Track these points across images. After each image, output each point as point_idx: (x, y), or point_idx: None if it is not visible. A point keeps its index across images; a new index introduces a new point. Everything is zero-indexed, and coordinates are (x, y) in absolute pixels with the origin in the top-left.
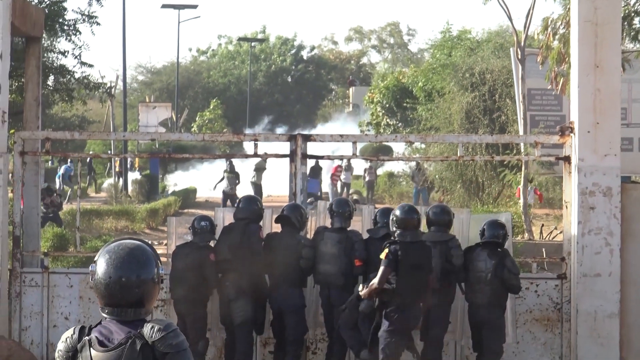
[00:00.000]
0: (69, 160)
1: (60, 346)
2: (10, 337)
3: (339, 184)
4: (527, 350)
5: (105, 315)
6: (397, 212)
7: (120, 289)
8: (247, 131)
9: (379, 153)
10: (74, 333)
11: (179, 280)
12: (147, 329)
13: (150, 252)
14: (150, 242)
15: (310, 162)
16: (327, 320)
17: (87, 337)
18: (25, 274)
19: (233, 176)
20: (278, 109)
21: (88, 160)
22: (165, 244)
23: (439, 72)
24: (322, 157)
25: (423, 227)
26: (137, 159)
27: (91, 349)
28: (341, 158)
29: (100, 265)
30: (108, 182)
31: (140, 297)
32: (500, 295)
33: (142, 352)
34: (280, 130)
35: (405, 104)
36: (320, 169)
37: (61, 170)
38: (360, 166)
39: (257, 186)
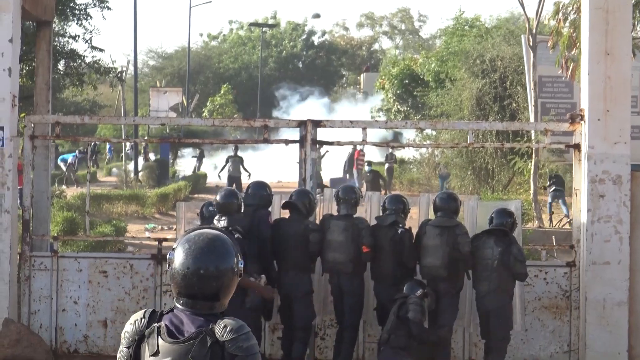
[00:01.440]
0: (77, 151)
1: (128, 328)
2: (19, 320)
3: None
4: (535, 337)
5: (179, 305)
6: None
7: (197, 280)
8: (258, 116)
9: (390, 140)
10: (143, 317)
11: None
12: (219, 328)
13: (230, 243)
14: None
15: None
16: (337, 306)
17: (156, 324)
18: (34, 257)
19: (237, 160)
20: (288, 95)
21: (92, 144)
22: (175, 229)
23: (450, 58)
24: (331, 143)
25: (431, 214)
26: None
27: (159, 337)
28: (351, 144)
29: (178, 255)
30: (118, 166)
31: (217, 290)
32: (507, 282)
33: (211, 350)
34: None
35: (415, 92)
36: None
37: (69, 159)
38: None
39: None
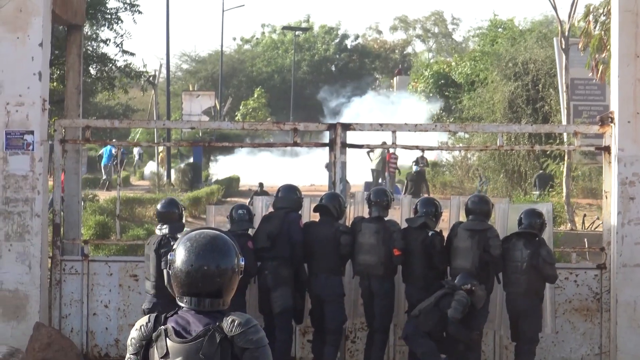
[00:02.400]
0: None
1: (134, 334)
2: (50, 324)
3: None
4: (566, 340)
5: (182, 305)
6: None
7: (201, 277)
8: (291, 120)
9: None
10: (149, 321)
11: None
12: (226, 323)
13: (231, 242)
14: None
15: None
16: (367, 309)
17: (163, 327)
18: (65, 261)
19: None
20: (322, 98)
21: (121, 149)
22: None
23: (483, 60)
24: (361, 147)
25: (462, 216)
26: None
27: (167, 339)
28: (382, 147)
29: (180, 254)
30: (150, 170)
31: (219, 287)
32: (537, 284)
33: (220, 346)
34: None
35: (447, 94)
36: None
37: (104, 159)
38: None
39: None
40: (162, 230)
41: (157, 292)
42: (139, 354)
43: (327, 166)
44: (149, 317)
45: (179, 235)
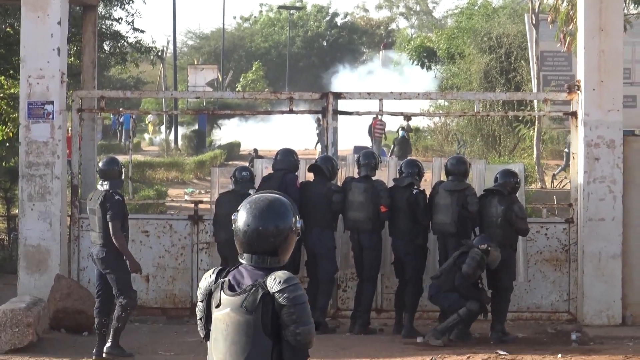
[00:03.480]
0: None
1: (201, 284)
2: (69, 276)
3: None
4: (537, 287)
5: (242, 261)
6: None
7: (257, 237)
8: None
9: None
10: (212, 274)
11: (221, 225)
12: (270, 279)
13: (289, 205)
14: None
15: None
16: (357, 261)
17: (222, 280)
18: (83, 219)
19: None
20: (315, 71)
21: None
22: (210, 193)
23: (460, 36)
24: (351, 114)
25: (443, 176)
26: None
27: (222, 291)
28: (368, 114)
29: (241, 215)
30: (160, 136)
31: (275, 247)
32: (511, 237)
33: (262, 300)
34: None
35: (429, 65)
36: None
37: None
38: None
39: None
40: (103, 186)
41: (104, 241)
42: (203, 302)
43: (319, 133)
44: (214, 270)
45: (119, 190)
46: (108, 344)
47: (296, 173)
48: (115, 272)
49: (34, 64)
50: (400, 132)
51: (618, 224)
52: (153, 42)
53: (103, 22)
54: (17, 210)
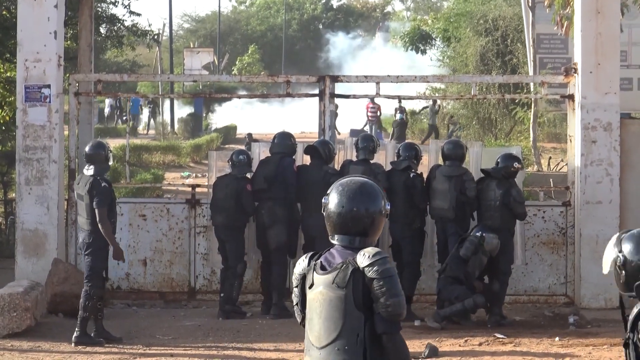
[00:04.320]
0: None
1: (295, 269)
2: (67, 260)
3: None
4: (535, 270)
5: (334, 242)
6: None
7: (350, 218)
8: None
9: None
10: (305, 258)
11: (219, 208)
12: (359, 256)
13: (378, 188)
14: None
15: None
16: None
17: (314, 262)
18: None
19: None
20: (311, 54)
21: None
22: (207, 176)
23: (456, 19)
24: (347, 97)
25: (440, 160)
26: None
27: (314, 272)
28: (365, 97)
29: (333, 197)
30: (157, 120)
31: (366, 227)
32: (508, 221)
33: (352, 276)
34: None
35: (424, 49)
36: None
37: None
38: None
39: None
40: (88, 170)
41: (92, 228)
42: (298, 287)
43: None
44: (306, 255)
45: (106, 176)
46: (76, 333)
47: (293, 157)
48: (93, 257)
49: (31, 47)
50: (397, 115)
51: (615, 207)
52: (149, 25)
53: (99, 5)
54: (14, 194)
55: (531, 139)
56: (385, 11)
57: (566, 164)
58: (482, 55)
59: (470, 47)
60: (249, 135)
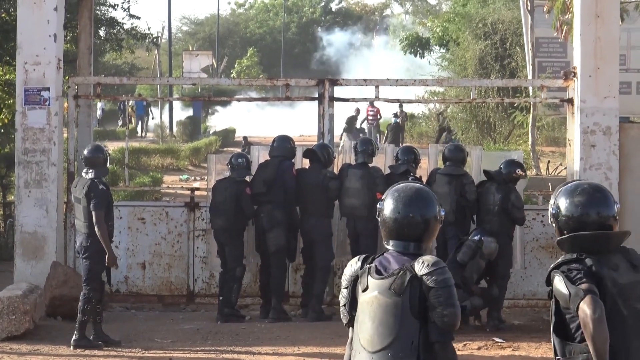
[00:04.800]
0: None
1: (347, 271)
2: (65, 263)
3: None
4: (534, 275)
5: (388, 247)
6: None
7: (407, 224)
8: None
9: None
10: (358, 260)
11: (218, 212)
12: (418, 264)
13: (432, 194)
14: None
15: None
16: (354, 248)
17: (368, 265)
18: None
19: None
20: (309, 57)
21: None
22: (206, 179)
23: (455, 22)
24: (347, 100)
25: (440, 164)
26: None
27: (369, 275)
28: (364, 101)
29: (389, 203)
30: (155, 123)
31: (421, 233)
32: (507, 225)
33: (410, 283)
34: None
35: (422, 53)
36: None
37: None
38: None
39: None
40: (87, 174)
41: (89, 231)
42: (348, 288)
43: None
44: (359, 257)
45: (104, 180)
46: (75, 336)
47: (292, 160)
48: (91, 260)
49: (30, 50)
50: (393, 119)
51: None
52: (148, 28)
53: (99, 8)
54: (13, 197)
55: (530, 142)
56: (384, 14)
57: (565, 168)
58: (481, 58)
59: (469, 50)
60: (245, 138)
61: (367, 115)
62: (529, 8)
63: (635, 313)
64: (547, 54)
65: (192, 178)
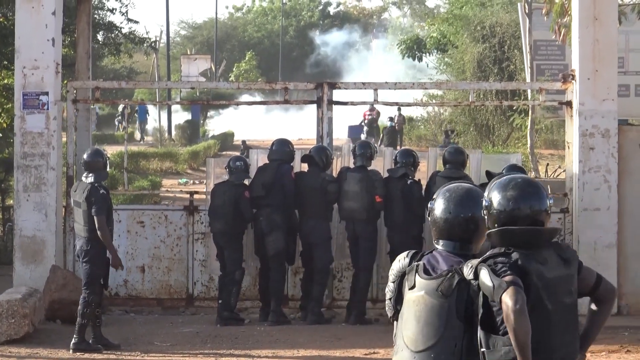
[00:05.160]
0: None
1: (394, 266)
2: (65, 267)
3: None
4: None
5: (438, 247)
6: None
7: (457, 224)
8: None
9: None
10: (406, 257)
11: (217, 215)
12: (466, 267)
13: (483, 194)
14: None
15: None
16: (353, 251)
17: (416, 263)
18: None
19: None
20: (307, 60)
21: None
22: (205, 183)
23: (453, 24)
24: (345, 104)
25: (439, 167)
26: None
27: (417, 274)
28: (363, 104)
29: (440, 203)
30: (154, 126)
31: (472, 234)
32: None
33: (458, 286)
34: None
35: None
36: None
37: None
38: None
39: None
40: (87, 178)
41: (89, 235)
42: (395, 282)
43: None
44: (407, 254)
45: (103, 184)
46: (74, 340)
47: (291, 163)
48: (90, 264)
49: (29, 54)
50: (389, 123)
51: (613, 214)
52: (146, 32)
53: (97, 12)
54: (12, 201)
55: (529, 145)
56: (382, 17)
57: (564, 171)
58: (480, 61)
59: (467, 53)
60: (244, 142)
61: (365, 118)
62: (527, 11)
63: (562, 307)
64: (545, 56)
65: (191, 182)
